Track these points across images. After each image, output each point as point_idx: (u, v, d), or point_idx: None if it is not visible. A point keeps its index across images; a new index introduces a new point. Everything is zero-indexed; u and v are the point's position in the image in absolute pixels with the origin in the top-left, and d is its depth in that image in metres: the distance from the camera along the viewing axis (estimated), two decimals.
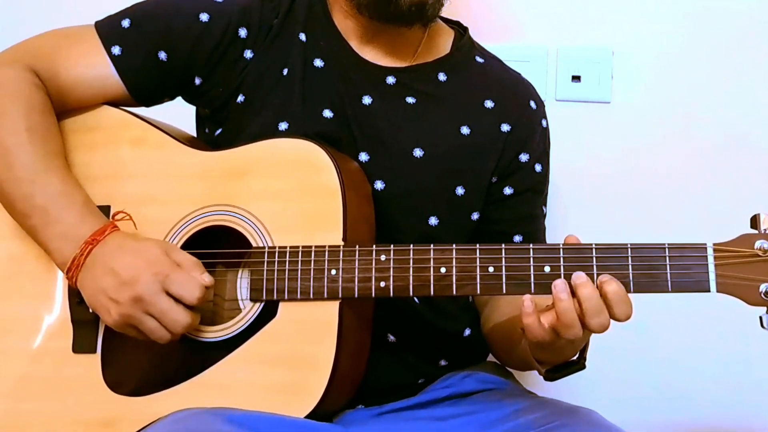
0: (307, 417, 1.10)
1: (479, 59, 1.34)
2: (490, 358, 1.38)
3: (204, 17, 1.25)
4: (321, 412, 1.12)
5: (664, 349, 1.70)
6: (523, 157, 1.30)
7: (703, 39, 1.67)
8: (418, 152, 1.25)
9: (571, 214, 1.68)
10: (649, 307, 1.61)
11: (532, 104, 1.33)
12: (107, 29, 1.26)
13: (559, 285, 1.02)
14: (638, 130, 1.69)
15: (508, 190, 1.30)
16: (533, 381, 1.66)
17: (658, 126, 1.68)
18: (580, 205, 1.70)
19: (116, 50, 1.24)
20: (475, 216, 1.28)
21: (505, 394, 1.25)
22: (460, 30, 1.37)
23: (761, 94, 1.66)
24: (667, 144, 1.68)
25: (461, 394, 1.26)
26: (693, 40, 1.67)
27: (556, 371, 1.13)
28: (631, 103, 1.69)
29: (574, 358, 1.12)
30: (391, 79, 1.27)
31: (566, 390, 1.66)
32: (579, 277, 1.02)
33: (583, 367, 1.13)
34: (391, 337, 1.24)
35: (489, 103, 1.29)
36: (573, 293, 1.01)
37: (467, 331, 1.32)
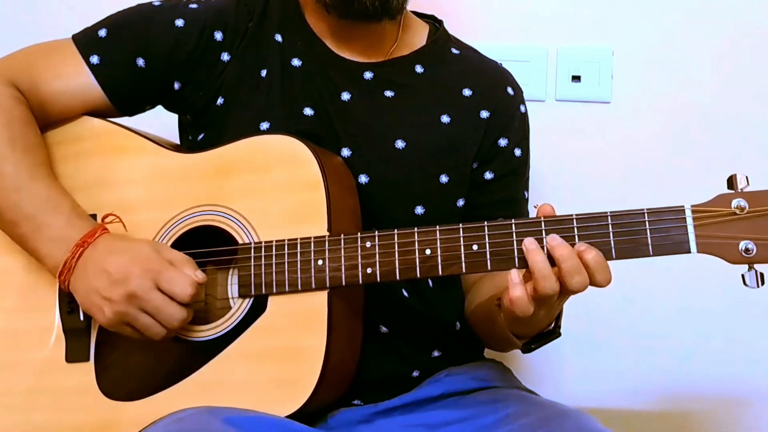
0: (303, 409, 1.10)
1: (455, 50, 1.36)
2: (487, 353, 1.38)
3: (179, 23, 1.27)
4: (316, 405, 1.12)
5: (659, 342, 1.70)
6: (503, 142, 1.32)
7: (703, 39, 1.67)
8: (400, 144, 1.26)
9: (570, 213, 1.68)
10: (643, 300, 1.66)
11: (510, 90, 1.35)
12: (85, 40, 1.28)
13: (529, 242, 1.03)
14: (638, 130, 1.69)
15: (488, 175, 1.31)
16: (531, 375, 1.67)
17: (658, 126, 1.69)
18: (579, 204, 1.64)
19: (95, 59, 1.26)
20: (460, 203, 1.30)
21: (500, 394, 1.24)
22: (435, 24, 1.39)
23: (761, 94, 1.67)
24: (666, 144, 1.69)
25: (455, 392, 1.25)
26: (693, 40, 1.68)
27: (533, 342, 1.14)
28: (631, 103, 1.69)
29: (550, 327, 1.13)
30: (368, 74, 1.29)
31: (563, 385, 1.69)
32: (553, 239, 1.03)
33: (559, 334, 1.14)
34: (383, 328, 1.24)
35: (467, 92, 1.31)
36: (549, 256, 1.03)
37: (458, 325, 1.32)
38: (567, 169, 1.69)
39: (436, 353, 1.29)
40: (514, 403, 1.19)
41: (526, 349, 1.15)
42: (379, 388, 1.24)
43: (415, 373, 1.26)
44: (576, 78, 1.70)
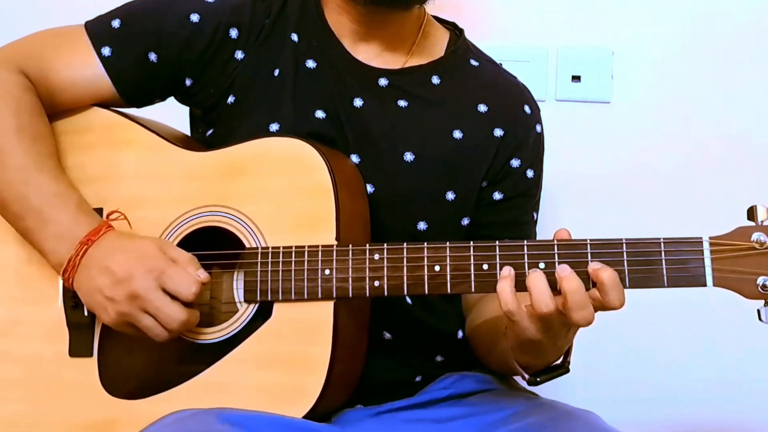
0: (305, 417, 1.10)
1: (474, 62, 1.32)
2: None
3: (194, 18, 1.23)
4: (319, 413, 1.12)
5: (664, 349, 1.70)
6: (515, 163, 1.28)
7: (702, 39, 1.67)
8: (408, 156, 1.23)
9: (571, 214, 1.68)
10: (647, 307, 1.63)
11: (527, 109, 1.31)
12: (97, 30, 1.25)
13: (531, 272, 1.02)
14: (638, 130, 1.69)
15: (497, 195, 1.28)
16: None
17: (658, 126, 1.68)
18: (579, 205, 1.70)
19: (106, 51, 1.24)
20: (465, 221, 1.27)
21: (504, 395, 1.24)
22: (455, 32, 1.35)
23: (760, 94, 1.66)
24: (666, 144, 1.68)
25: (460, 394, 1.25)
26: (693, 40, 1.67)
27: (538, 375, 1.12)
28: (631, 103, 1.69)
29: (558, 361, 1.11)
30: (383, 81, 1.26)
31: (566, 390, 1.67)
32: (563, 270, 1.00)
33: (567, 370, 1.12)
34: (387, 335, 1.23)
35: (482, 107, 1.27)
36: (558, 287, 1.00)
37: (460, 333, 1.31)
38: (566, 169, 1.68)
39: (439, 358, 1.28)
40: (519, 403, 1.19)
41: (532, 381, 1.13)
42: (382, 393, 1.23)
43: (418, 378, 1.26)
44: (576, 78, 1.70)
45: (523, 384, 1.32)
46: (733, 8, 1.66)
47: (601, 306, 1.01)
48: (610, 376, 1.71)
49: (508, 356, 1.13)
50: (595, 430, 1.08)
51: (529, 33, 1.69)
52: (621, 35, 1.68)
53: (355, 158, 1.22)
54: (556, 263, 1.02)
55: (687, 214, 1.66)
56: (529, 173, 1.30)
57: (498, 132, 1.27)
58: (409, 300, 1.24)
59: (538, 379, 1.12)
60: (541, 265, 1.03)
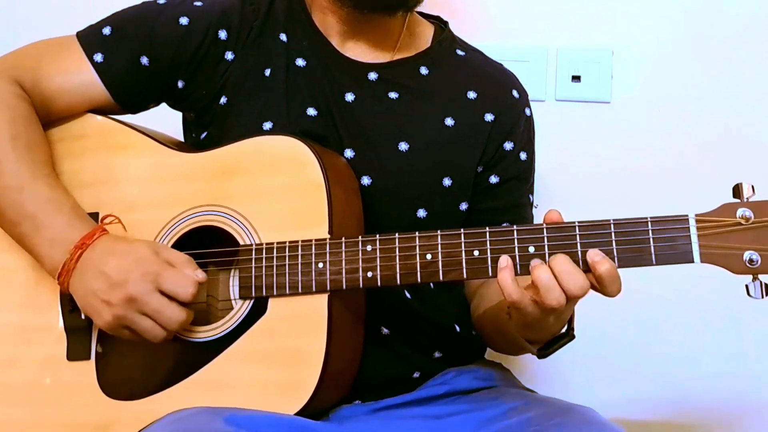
0: (302, 412, 1.10)
1: (460, 52, 1.35)
2: (487, 354, 1.38)
3: (184, 21, 1.26)
4: (315, 407, 1.12)
5: (661, 344, 1.70)
6: (508, 146, 1.30)
7: (702, 39, 1.67)
8: (403, 146, 1.25)
9: (571, 213, 1.65)
10: (645, 302, 1.65)
11: (515, 93, 1.33)
12: (89, 37, 1.27)
13: (536, 263, 1.03)
14: (638, 130, 1.69)
15: (493, 179, 1.30)
16: (532, 377, 1.67)
17: (658, 126, 1.68)
18: (579, 204, 1.69)
19: (98, 57, 1.26)
20: (463, 206, 1.29)
21: (502, 391, 1.25)
22: (440, 25, 1.38)
23: (759, 93, 1.66)
24: (666, 144, 1.69)
25: (458, 391, 1.25)
26: (692, 40, 1.68)
27: (546, 348, 1.13)
28: (631, 103, 1.69)
29: (563, 330, 1.12)
30: (373, 75, 1.28)
31: (564, 386, 1.67)
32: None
33: (573, 337, 1.13)
34: (385, 330, 1.24)
35: (472, 94, 1.30)
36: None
37: (457, 327, 1.32)
38: (566, 169, 1.69)
39: (437, 354, 1.29)
40: (517, 399, 1.20)
41: (541, 354, 1.14)
42: (380, 389, 1.23)
43: (416, 374, 1.26)
44: (576, 78, 1.70)
45: (522, 383, 1.34)
46: (732, 8, 1.66)
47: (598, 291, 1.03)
48: (607, 372, 1.71)
49: (515, 337, 1.14)
50: (592, 424, 1.09)
51: (529, 33, 1.70)
52: (621, 35, 1.69)
53: (349, 152, 1.24)
54: (546, 246, 1.04)
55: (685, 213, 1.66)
56: (522, 156, 1.32)
57: (488, 117, 1.29)
58: (407, 294, 1.25)
59: (547, 351, 1.14)
60: (531, 249, 1.04)
